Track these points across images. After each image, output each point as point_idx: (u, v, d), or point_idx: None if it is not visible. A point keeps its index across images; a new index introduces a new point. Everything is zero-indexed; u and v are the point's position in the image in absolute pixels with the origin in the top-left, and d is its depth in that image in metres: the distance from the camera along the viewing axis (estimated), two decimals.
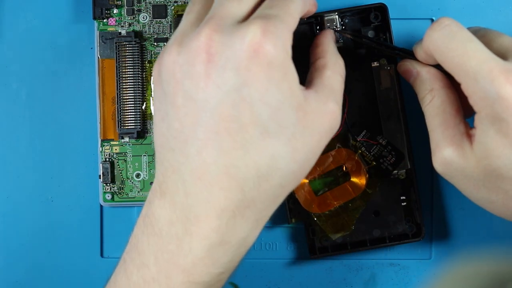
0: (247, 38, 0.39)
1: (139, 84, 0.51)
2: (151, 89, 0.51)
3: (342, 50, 0.48)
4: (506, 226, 0.52)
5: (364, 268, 0.53)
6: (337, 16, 0.50)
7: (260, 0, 0.42)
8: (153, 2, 0.52)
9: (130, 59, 0.51)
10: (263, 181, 0.40)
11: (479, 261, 0.42)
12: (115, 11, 0.52)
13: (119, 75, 0.51)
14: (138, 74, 0.51)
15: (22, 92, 0.53)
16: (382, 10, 0.50)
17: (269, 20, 0.39)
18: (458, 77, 0.42)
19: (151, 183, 0.47)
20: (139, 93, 0.51)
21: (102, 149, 0.52)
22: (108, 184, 0.52)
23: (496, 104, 0.40)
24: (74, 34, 0.53)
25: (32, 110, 0.53)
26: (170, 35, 0.51)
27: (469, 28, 0.43)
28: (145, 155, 0.52)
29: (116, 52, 0.51)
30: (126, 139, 0.52)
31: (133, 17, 0.52)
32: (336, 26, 0.50)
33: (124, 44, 0.51)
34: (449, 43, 0.42)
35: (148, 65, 0.52)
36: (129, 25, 0.52)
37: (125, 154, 0.52)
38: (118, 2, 0.51)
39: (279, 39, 0.39)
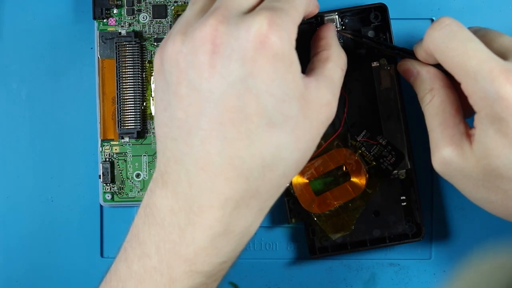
0: (253, 29, 0.39)
1: (139, 84, 0.51)
2: (151, 89, 0.51)
3: None
4: (506, 226, 0.52)
5: (364, 268, 0.53)
6: (337, 16, 0.50)
7: None
8: (153, 2, 0.52)
9: (130, 59, 0.51)
10: (267, 171, 0.40)
11: (500, 255, 0.41)
12: (115, 11, 0.52)
13: (119, 75, 0.51)
14: (138, 74, 0.51)
15: (22, 92, 0.53)
16: (382, 10, 0.50)
17: (275, 12, 0.39)
18: (458, 77, 0.42)
19: None
20: (139, 93, 0.51)
21: (102, 149, 0.52)
22: (108, 184, 0.52)
23: (495, 104, 0.40)
24: (74, 34, 0.53)
25: (32, 110, 0.53)
26: None
27: (469, 28, 0.43)
28: (145, 155, 0.52)
29: (116, 52, 0.51)
30: (126, 139, 0.52)
31: (133, 17, 0.52)
32: (336, 26, 0.50)
33: (124, 44, 0.51)
34: (450, 42, 0.42)
35: (148, 65, 0.52)
36: (129, 25, 0.52)
37: (125, 154, 0.52)
38: (118, 2, 0.51)
39: (284, 31, 0.39)
